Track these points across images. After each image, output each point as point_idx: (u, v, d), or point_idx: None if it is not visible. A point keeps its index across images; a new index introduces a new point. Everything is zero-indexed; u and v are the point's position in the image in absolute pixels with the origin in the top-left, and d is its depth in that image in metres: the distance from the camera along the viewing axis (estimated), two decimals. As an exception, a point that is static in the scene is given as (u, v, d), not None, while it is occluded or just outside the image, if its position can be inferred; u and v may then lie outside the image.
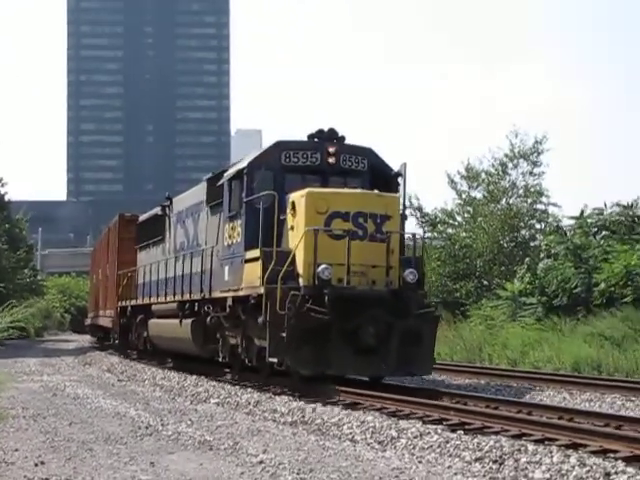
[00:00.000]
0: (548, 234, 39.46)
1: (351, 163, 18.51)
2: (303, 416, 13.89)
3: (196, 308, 21.83)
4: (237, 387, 18.84)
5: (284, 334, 15.99)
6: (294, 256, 16.82)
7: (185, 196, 26.19)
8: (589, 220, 36.98)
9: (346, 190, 17.53)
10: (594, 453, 9.95)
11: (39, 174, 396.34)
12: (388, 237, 16.98)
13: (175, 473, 9.05)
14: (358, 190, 17.55)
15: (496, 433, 11.40)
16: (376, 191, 17.54)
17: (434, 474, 9.25)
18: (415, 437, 11.31)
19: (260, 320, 16.90)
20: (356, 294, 16.56)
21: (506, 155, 43.50)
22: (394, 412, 13.86)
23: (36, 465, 9.42)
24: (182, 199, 26.33)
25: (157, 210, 28.99)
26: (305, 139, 18.85)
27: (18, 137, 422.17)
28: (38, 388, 20.21)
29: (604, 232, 36.12)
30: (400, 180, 18.98)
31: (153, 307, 26.89)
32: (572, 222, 37.93)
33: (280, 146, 18.52)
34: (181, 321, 22.88)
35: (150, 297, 27.43)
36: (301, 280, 16.65)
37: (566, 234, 37.05)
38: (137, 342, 30.47)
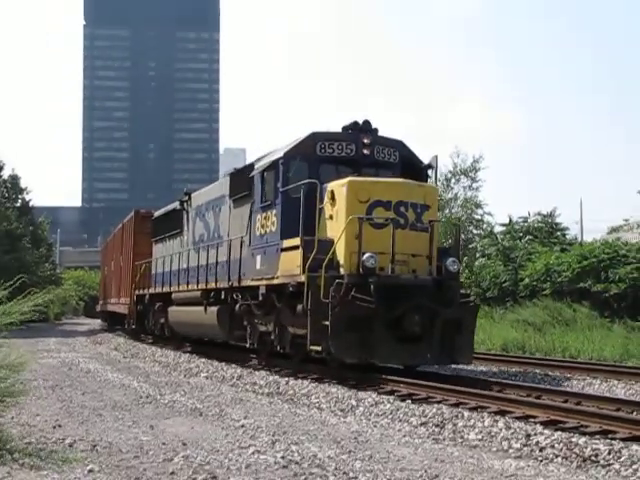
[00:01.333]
0: (483, 237, 41.95)
1: (384, 155, 15.45)
2: (278, 388, 13.74)
3: (223, 296, 18.51)
4: (223, 363, 18.41)
5: (327, 322, 12.99)
6: (333, 245, 13.68)
7: (204, 191, 22.99)
8: (516, 226, 40.10)
9: (388, 179, 14.41)
10: (518, 418, 9.95)
11: (59, 184, 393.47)
12: (431, 226, 13.83)
13: (170, 435, 8.98)
14: (400, 179, 14.37)
15: (438, 402, 11.37)
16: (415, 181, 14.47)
17: (387, 436, 9.17)
18: (371, 405, 11.32)
19: (299, 308, 13.92)
20: (401, 283, 13.50)
21: (450, 172, 43.98)
22: (355, 385, 13.39)
23: (54, 427, 9.32)
24: (201, 194, 23.13)
25: (175, 205, 25.67)
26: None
27: (42, 153, 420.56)
28: (56, 363, 19.75)
29: (528, 236, 38.47)
30: (430, 172, 15.74)
31: (173, 295, 23.50)
32: (502, 228, 41.04)
33: (315, 137, 15.40)
34: (206, 308, 19.67)
35: (170, 286, 23.99)
36: (342, 269, 13.58)
37: (497, 238, 39.86)
38: (154, 328, 27.13)
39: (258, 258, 15.98)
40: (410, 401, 11.51)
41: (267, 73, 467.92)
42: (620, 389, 14.24)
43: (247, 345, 17.43)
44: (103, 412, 10.78)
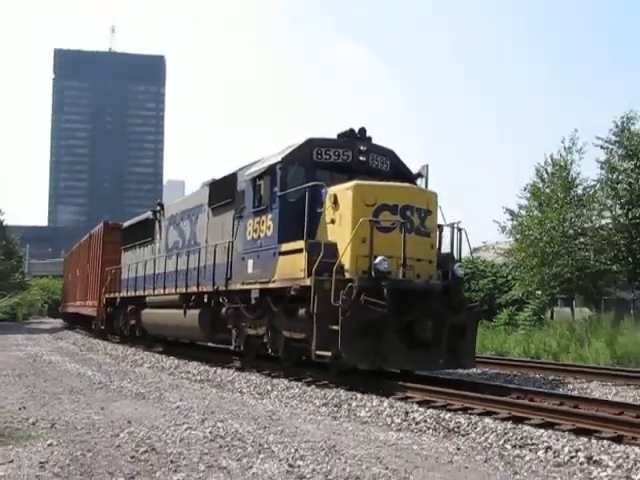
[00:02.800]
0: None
1: (378, 162, 12.51)
2: (208, 376, 13.26)
3: (206, 299, 14.99)
4: (163, 355, 17.53)
5: (335, 327, 10.00)
6: (337, 248, 10.69)
7: (179, 202, 19.84)
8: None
9: (394, 183, 11.42)
10: (400, 399, 9.67)
11: (29, 206, 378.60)
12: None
13: (118, 414, 8.59)
14: (405, 184, 11.43)
15: (337, 386, 10.85)
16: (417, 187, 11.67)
17: (295, 414, 8.93)
18: (283, 390, 11.02)
19: (301, 312, 10.83)
20: (412, 287, 10.50)
21: None
22: (269, 374, 12.74)
23: (19, 409, 8.87)
24: (175, 205, 19.88)
25: (147, 215, 22.17)
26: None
27: (17, 180, 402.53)
28: (23, 355, 18.65)
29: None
30: (420, 181, 12.83)
31: (147, 299, 19.87)
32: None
33: (312, 143, 12.34)
34: (186, 311, 16.17)
35: (144, 290, 20.35)
36: (347, 273, 10.60)
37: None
38: (124, 328, 23.37)
39: (250, 262, 12.77)
40: (315, 386, 11.08)
41: (205, 116, 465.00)
42: (475, 376, 13.52)
43: (232, 347, 14.13)
44: (62, 396, 10.26)
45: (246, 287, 12.77)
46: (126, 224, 25.86)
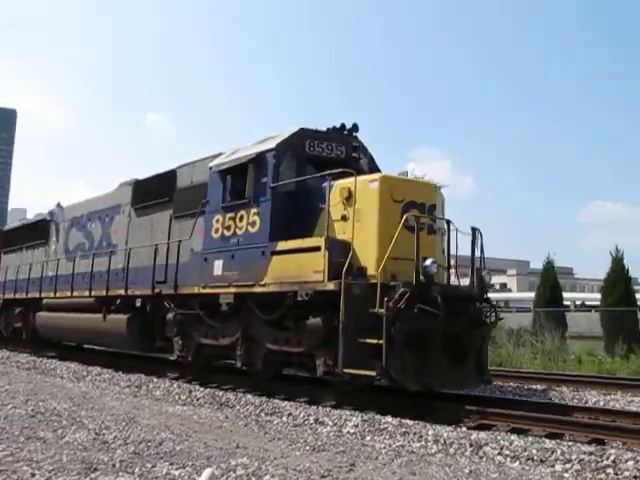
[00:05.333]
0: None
1: (364, 161, 8.54)
2: (35, 364, 11.88)
3: (139, 304, 9.99)
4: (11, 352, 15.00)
5: (371, 340, 6.35)
6: (352, 248, 6.81)
7: (84, 203, 14.25)
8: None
9: (419, 180, 7.68)
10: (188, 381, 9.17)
11: None
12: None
13: None
14: (429, 181, 7.64)
15: (140, 372, 10.00)
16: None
17: (104, 394, 8.22)
18: (96, 375, 10.24)
19: (313, 322, 6.68)
20: (459, 294, 7.07)
21: None
22: (84, 361, 11.50)
23: None
24: (79, 206, 14.35)
25: (38, 217, 16.60)
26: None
27: None
28: None
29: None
30: None
31: (45, 301, 14.06)
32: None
33: (305, 133, 8.37)
34: (105, 316, 10.95)
35: (40, 292, 14.43)
36: (371, 277, 6.74)
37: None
38: (5, 331, 16.81)
39: (217, 263, 8.36)
40: (122, 372, 10.31)
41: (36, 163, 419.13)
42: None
43: (174, 357, 9.34)
44: None
45: (213, 291, 8.18)
46: (7, 228, 19.79)
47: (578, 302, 29.90)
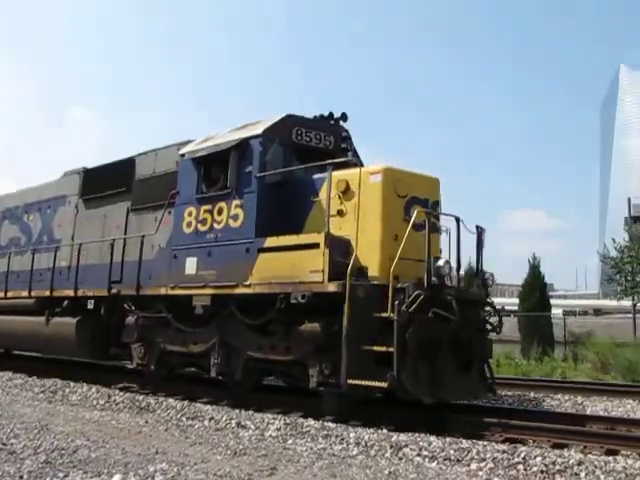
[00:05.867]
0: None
1: (352, 153, 7.93)
2: None
3: (90, 306, 8.97)
4: None
5: (378, 348, 5.76)
6: (351, 246, 6.27)
7: (18, 193, 12.77)
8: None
9: (423, 173, 7.04)
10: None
11: None
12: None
13: None
14: (431, 174, 7.09)
15: (55, 377, 9.35)
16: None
17: (15, 401, 7.84)
18: (7, 380, 9.75)
19: (310, 327, 6.21)
20: (472, 297, 6.50)
21: None
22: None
23: None
24: (12, 197, 12.83)
25: None
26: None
27: None
28: None
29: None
30: None
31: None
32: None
33: (292, 120, 7.58)
34: (48, 319, 9.86)
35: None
36: (375, 279, 6.15)
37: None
38: None
39: (191, 261, 7.50)
40: (36, 376, 9.82)
41: None
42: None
43: (133, 365, 8.38)
44: None
45: (184, 292, 7.32)
46: None
47: (499, 307, 31.39)
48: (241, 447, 5.13)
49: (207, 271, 7.24)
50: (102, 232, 9.74)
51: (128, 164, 9.53)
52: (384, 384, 5.53)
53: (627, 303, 25.94)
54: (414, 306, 5.55)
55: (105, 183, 9.87)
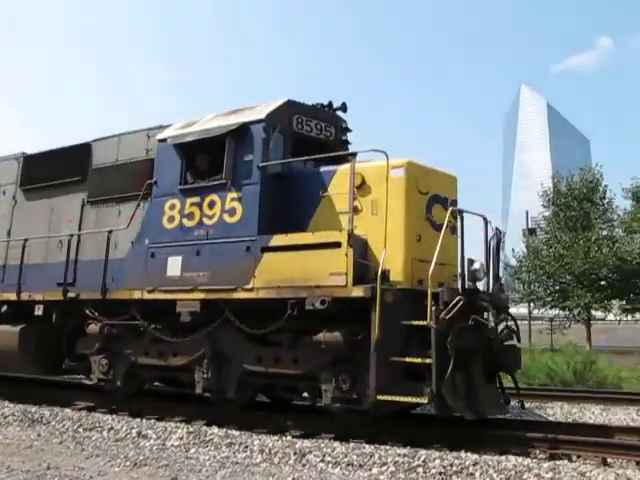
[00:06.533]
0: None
1: (350, 145, 7.43)
2: None
3: (39, 312, 7.67)
4: None
5: (424, 359, 5.04)
6: (368, 246, 5.69)
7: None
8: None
9: (444, 170, 6.54)
10: None
11: None
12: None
13: None
14: (450, 172, 6.61)
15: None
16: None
17: None
18: None
19: (328, 336, 5.46)
20: (498, 303, 5.86)
21: None
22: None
23: None
24: None
25: None
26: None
27: None
28: None
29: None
30: None
31: None
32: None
33: (292, 107, 6.81)
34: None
35: None
36: (397, 283, 5.56)
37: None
38: None
39: (174, 260, 6.61)
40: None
41: None
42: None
43: (93, 381, 7.28)
44: None
45: (166, 296, 6.39)
46: None
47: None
48: (141, 458, 5.06)
49: (195, 272, 6.33)
50: (49, 227, 8.48)
51: (82, 150, 8.37)
52: (424, 399, 4.97)
53: (524, 310, 27.72)
54: (452, 313, 5.07)
55: (53, 171, 8.62)
